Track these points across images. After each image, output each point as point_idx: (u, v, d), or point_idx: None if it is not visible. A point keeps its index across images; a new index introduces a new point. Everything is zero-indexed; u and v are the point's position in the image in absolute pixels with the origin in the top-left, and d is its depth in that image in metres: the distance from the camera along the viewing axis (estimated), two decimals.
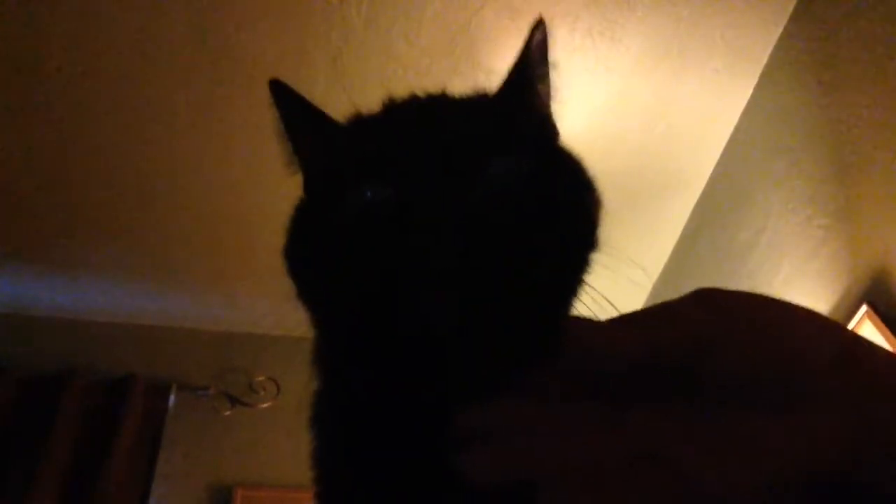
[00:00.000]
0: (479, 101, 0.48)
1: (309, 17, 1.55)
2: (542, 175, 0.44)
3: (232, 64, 1.63)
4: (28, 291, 2.25)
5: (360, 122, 0.48)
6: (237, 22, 1.56)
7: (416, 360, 0.39)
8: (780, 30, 1.66)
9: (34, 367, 2.16)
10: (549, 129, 0.52)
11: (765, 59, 1.71)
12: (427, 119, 0.45)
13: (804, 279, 1.60)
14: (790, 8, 1.62)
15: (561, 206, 0.43)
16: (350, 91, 1.62)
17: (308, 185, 0.52)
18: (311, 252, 0.46)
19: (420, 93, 0.48)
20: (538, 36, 0.50)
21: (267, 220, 2.01)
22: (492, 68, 1.62)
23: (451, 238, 0.37)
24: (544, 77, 0.52)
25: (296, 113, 0.53)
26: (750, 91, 1.77)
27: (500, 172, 0.42)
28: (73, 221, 2.01)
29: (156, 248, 2.11)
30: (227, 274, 2.21)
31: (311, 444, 0.45)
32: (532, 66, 0.51)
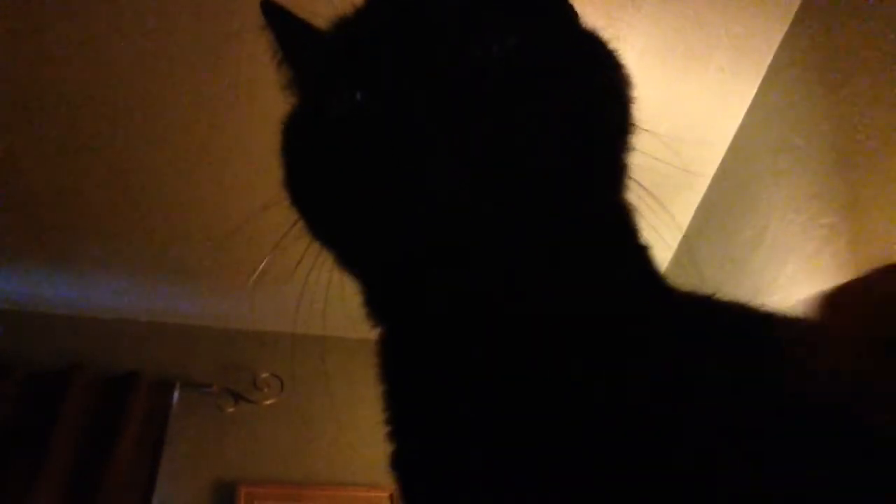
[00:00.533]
0: None
1: (313, 16, 1.55)
2: (557, 54, 0.39)
3: (234, 63, 1.63)
4: (32, 288, 2.26)
5: (343, 23, 0.44)
6: (242, 21, 1.56)
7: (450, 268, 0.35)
8: (785, 28, 1.65)
9: (38, 364, 2.16)
10: (562, 6, 0.46)
11: (770, 58, 1.71)
12: (414, 5, 0.40)
13: (808, 278, 1.59)
14: (795, 6, 1.62)
15: (583, 85, 0.39)
16: None
17: (305, 102, 0.47)
18: (311, 169, 0.42)
19: None
20: None
21: (272, 217, 2.01)
22: None
23: (451, 138, 0.33)
24: None
25: (288, 30, 0.50)
26: (755, 89, 1.77)
27: (499, 55, 0.37)
28: (77, 218, 2.01)
29: (160, 246, 2.11)
30: (231, 271, 2.21)
31: (381, 393, 0.42)
32: None
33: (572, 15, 0.45)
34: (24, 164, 1.84)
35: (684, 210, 2.06)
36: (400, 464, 0.40)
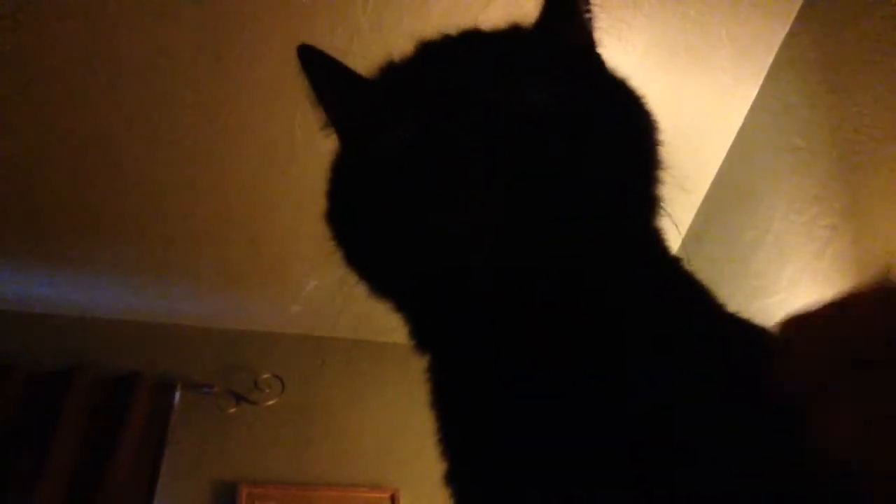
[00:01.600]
0: (512, 32, 0.47)
1: (314, 16, 1.55)
2: (586, 98, 0.43)
3: (237, 64, 1.63)
4: (35, 289, 2.26)
5: (391, 67, 0.48)
6: (243, 22, 1.56)
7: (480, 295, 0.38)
8: (786, 29, 1.65)
9: (40, 364, 2.16)
10: (593, 56, 0.50)
11: (771, 58, 1.71)
12: (458, 53, 0.45)
13: (810, 279, 1.59)
14: (796, 7, 1.62)
15: (615, 128, 0.43)
16: None
17: (344, 143, 0.50)
18: (354, 205, 0.45)
19: (452, 30, 0.47)
20: None
21: (273, 219, 2.01)
22: None
23: (484, 174, 0.36)
24: (585, 3, 0.50)
25: (326, 74, 0.52)
26: (756, 90, 1.77)
27: (537, 99, 0.40)
28: (80, 220, 2.01)
29: (162, 247, 2.11)
30: (232, 272, 2.22)
31: (432, 415, 0.44)
32: None
33: (602, 63, 0.49)
34: (25, 165, 1.84)
35: (686, 211, 2.06)
36: (452, 479, 0.42)
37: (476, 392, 0.40)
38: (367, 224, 0.43)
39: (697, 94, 1.77)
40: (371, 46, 1.60)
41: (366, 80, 0.49)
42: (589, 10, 0.50)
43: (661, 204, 0.44)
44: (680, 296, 0.42)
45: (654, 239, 0.45)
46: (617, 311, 0.38)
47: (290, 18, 1.56)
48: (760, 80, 1.75)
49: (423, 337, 0.46)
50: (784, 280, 1.66)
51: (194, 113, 1.74)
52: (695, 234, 2.08)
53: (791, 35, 1.65)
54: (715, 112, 1.82)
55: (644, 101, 0.47)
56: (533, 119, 0.39)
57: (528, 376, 0.37)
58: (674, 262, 0.45)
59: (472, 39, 0.47)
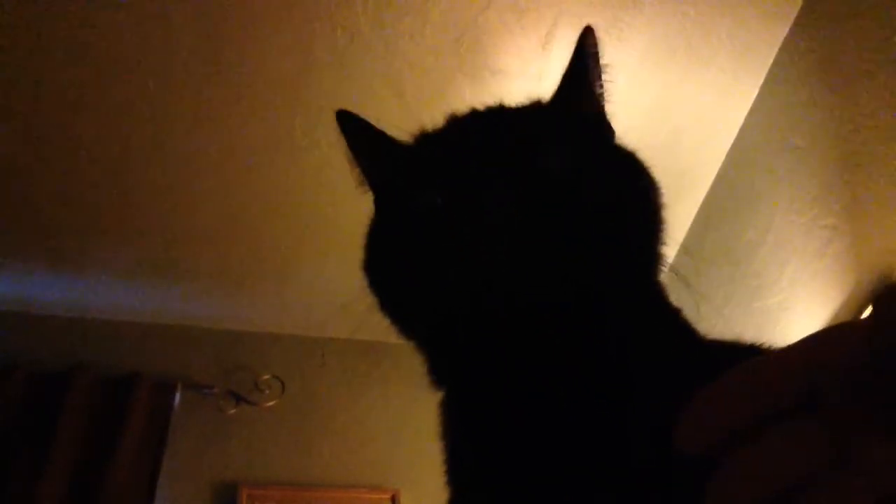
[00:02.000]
0: (533, 107, 0.53)
1: (314, 17, 1.55)
2: (598, 168, 0.47)
3: (237, 65, 1.63)
4: (35, 289, 2.26)
5: (424, 137, 0.53)
6: (242, 22, 1.56)
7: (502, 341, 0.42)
8: (786, 29, 1.65)
9: (40, 365, 2.17)
10: (604, 128, 0.55)
11: (771, 59, 1.71)
12: (485, 127, 0.50)
13: (810, 279, 1.59)
14: (796, 7, 1.62)
15: (619, 195, 0.47)
16: (355, 90, 1.61)
17: (380, 202, 0.55)
18: (389, 259, 0.50)
19: (478, 106, 0.52)
20: (590, 41, 0.55)
21: (273, 219, 2.02)
22: (497, 67, 1.62)
23: (506, 233, 0.41)
24: (598, 79, 0.56)
25: (363, 138, 0.57)
26: (756, 90, 1.77)
27: (556, 168, 0.45)
28: (80, 220, 2.01)
29: (162, 247, 2.11)
30: (232, 273, 2.22)
31: (443, 455, 0.47)
32: (586, 69, 0.55)
33: (609, 133, 0.55)
34: (25, 166, 1.84)
35: (686, 211, 2.06)
36: None
37: (486, 427, 0.44)
38: (398, 275, 0.48)
39: (698, 94, 1.77)
40: (371, 46, 1.60)
41: (400, 145, 0.54)
42: (601, 84, 0.56)
43: (663, 261, 0.48)
44: (682, 342, 0.46)
45: (658, 290, 0.49)
46: (625, 358, 0.41)
47: (290, 19, 1.56)
48: (761, 81, 1.75)
49: (441, 375, 0.50)
50: (784, 280, 1.66)
51: (194, 114, 1.74)
52: (696, 233, 2.08)
53: (791, 36, 1.65)
54: (715, 112, 1.82)
55: (649, 168, 0.52)
56: (550, 184, 0.44)
57: (536, 417, 0.41)
58: (676, 313, 0.49)
59: (496, 113, 0.52)
